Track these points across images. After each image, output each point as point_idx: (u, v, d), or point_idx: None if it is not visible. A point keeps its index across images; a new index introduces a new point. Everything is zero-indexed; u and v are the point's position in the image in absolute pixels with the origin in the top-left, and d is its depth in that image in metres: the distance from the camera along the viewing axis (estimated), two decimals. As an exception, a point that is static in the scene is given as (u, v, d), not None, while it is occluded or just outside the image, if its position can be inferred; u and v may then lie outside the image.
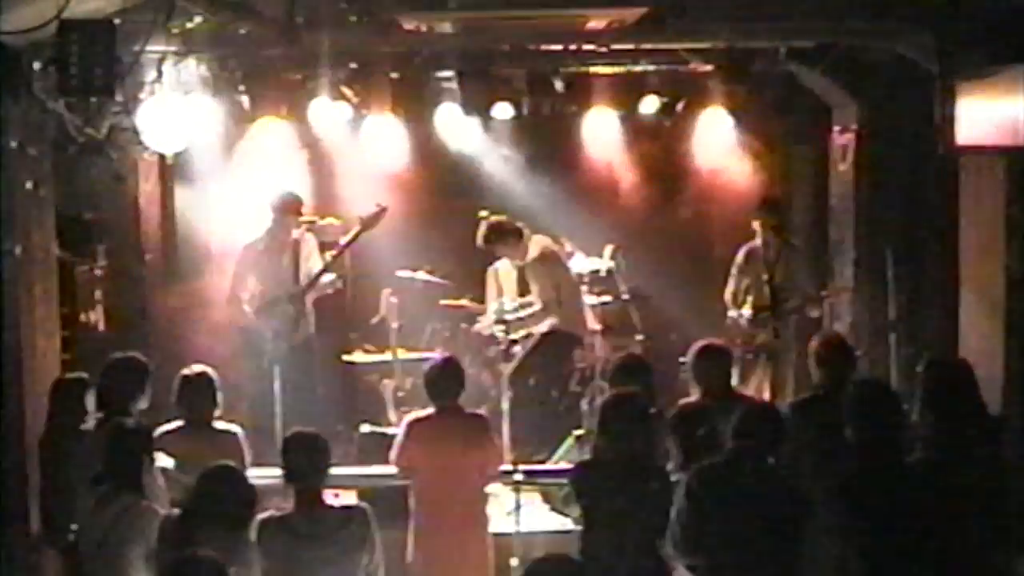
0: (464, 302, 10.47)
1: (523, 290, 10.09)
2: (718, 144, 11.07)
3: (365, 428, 9.22)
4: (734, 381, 7.35)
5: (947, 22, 7.72)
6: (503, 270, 10.22)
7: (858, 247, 10.13)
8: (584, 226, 11.00)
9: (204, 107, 8.98)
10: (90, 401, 6.72)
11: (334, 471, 5.92)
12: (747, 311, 9.98)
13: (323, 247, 9.78)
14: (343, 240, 9.54)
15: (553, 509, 8.27)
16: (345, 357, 10.50)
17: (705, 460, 5.79)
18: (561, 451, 8.69)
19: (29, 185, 7.24)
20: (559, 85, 10.10)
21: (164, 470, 6.20)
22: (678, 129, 10.87)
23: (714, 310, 10.41)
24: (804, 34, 8.82)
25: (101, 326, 8.90)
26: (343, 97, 9.95)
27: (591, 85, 10.31)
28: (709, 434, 6.04)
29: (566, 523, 7.76)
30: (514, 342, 9.78)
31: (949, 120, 7.68)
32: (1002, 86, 7.26)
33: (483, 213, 10.04)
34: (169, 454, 6.35)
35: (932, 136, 8.00)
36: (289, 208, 9.48)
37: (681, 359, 7.27)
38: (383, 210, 9.27)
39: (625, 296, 10.49)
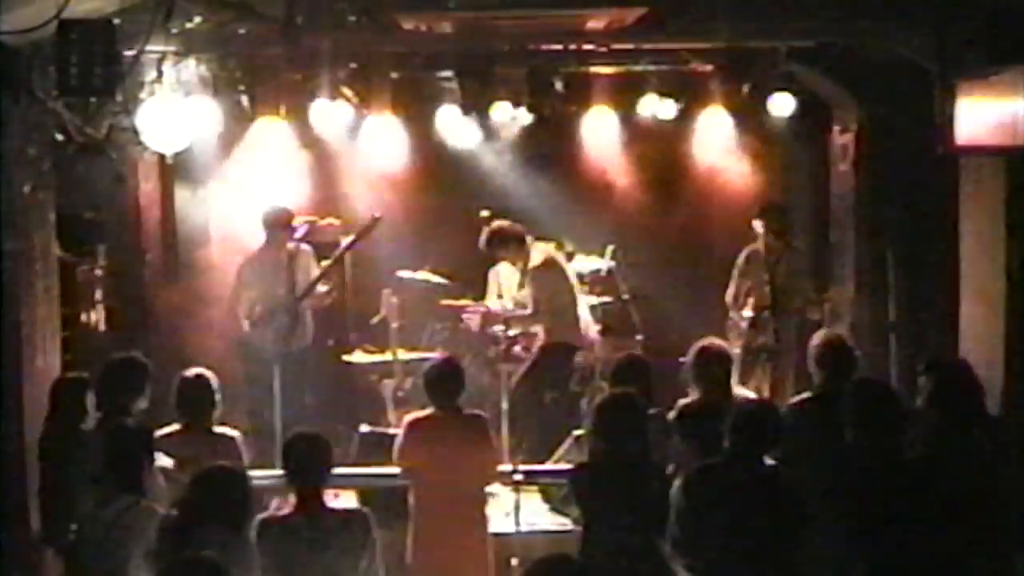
0: (464, 302, 10.46)
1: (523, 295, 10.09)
2: (718, 144, 11.07)
3: (365, 428, 9.22)
4: (734, 381, 7.33)
5: (947, 22, 7.71)
6: (505, 272, 10.22)
7: (858, 247, 10.14)
8: (584, 226, 11.01)
9: (204, 107, 8.97)
10: (90, 401, 6.72)
11: (334, 471, 5.92)
12: (748, 312, 10.00)
13: (322, 248, 9.79)
14: (337, 251, 9.58)
15: (553, 509, 8.27)
16: (345, 357, 10.50)
17: (704, 460, 5.79)
18: (561, 451, 8.69)
19: (29, 185, 7.24)
20: (559, 85, 10.10)
21: (165, 470, 6.20)
22: (678, 129, 10.87)
23: (714, 310, 10.41)
24: (804, 34, 8.82)
25: (101, 326, 8.90)
26: (343, 97, 9.95)
27: (591, 85, 10.31)
28: (710, 434, 6.04)
29: (566, 523, 7.76)
30: (513, 341, 9.78)
31: (949, 120, 7.67)
32: (1002, 86, 7.25)
33: (484, 213, 10.03)
34: (167, 457, 6.35)
35: (932, 136, 8.00)
36: (279, 222, 9.58)
37: (681, 359, 7.25)
38: (377, 220, 9.33)
39: (625, 296, 10.49)
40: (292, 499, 5.70)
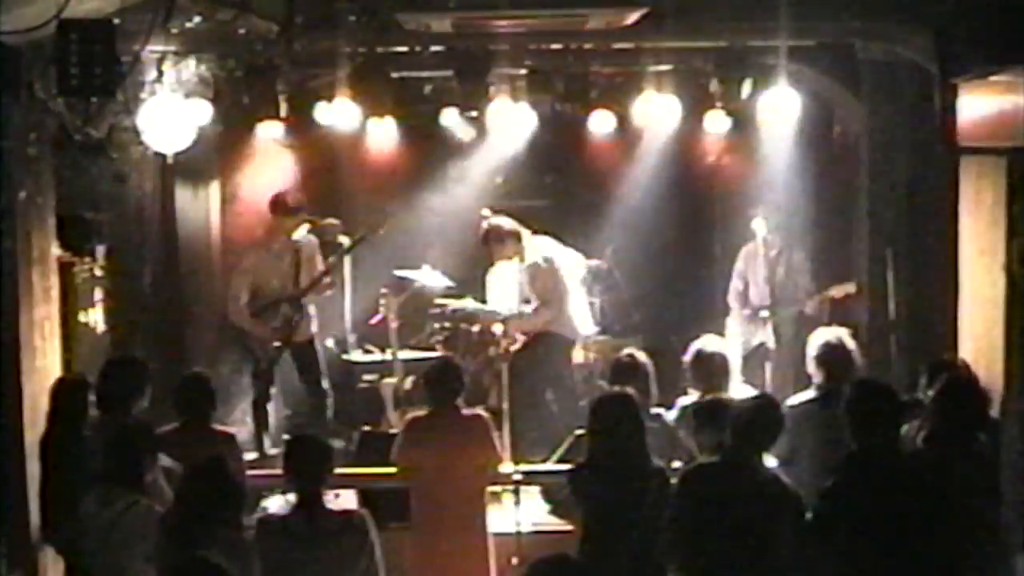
0: (464, 302, 10.45)
1: (523, 291, 10.08)
2: (718, 144, 11.05)
3: (365, 428, 9.22)
4: (734, 381, 7.33)
5: (947, 22, 7.71)
6: (505, 271, 10.21)
7: (858, 247, 10.13)
8: (584, 226, 11.00)
9: (204, 107, 8.97)
10: (90, 401, 6.72)
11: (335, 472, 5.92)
12: (747, 311, 10.00)
13: (322, 248, 9.78)
14: (345, 246, 9.56)
15: (553, 509, 8.27)
16: (345, 357, 10.50)
17: (701, 460, 5.79)
18: (561, 451, 8.69)
19: (29, 185, 7.24)
20: (559, 85, 10.09)
21: (166, 469, 6.20)
22: (678, 129, 10.86)
23: (714, 310, 10.41)
24: (804, 34, 8.82)
25: (101, 326, 8.89)
26: (343, 97, 9.94)
27: (591, 85, 10.31)
28: (709, 434, 6.04)
29: (566, 523, 7.76)
30: (514, 341, 9.78)
31: (949, 120, 7.67)
32: (1002, 86, 7.25)
33: (484, 212, 10.04)
34: (166, 455, 6.35)
35: (932, 136, 7.99)
36: (286, 207, 9.50)
37: (681, 359, 7.26)
38: (388, 217, 9.31)
39: (625, 296, 10.49)
40: (292, 499, 5.70)
